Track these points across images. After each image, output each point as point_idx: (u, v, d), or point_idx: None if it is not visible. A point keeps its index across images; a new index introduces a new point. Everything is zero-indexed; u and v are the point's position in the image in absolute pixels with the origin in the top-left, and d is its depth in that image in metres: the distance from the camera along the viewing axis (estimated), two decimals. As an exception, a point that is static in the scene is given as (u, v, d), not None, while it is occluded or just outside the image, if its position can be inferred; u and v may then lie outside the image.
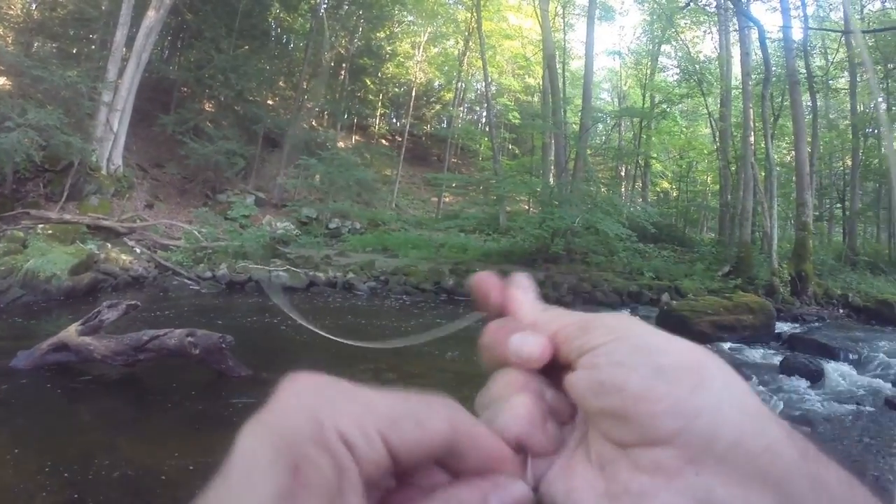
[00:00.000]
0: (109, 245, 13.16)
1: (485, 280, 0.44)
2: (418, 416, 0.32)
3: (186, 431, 4.81)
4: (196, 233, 15.55)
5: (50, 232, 12.35)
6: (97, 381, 6.03)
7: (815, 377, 7.52)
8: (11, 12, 21.17)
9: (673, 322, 10.87)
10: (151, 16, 18.24)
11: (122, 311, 6.45)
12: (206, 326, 7.20)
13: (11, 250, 10.22)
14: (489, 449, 0.35)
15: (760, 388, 7.13)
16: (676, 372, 0.33)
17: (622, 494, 0.32)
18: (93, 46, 21.49)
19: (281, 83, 31.65)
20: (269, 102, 28.89)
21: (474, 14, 29.44)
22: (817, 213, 25.55)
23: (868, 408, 6.55)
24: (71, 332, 6.10)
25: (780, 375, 7.72)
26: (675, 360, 0.33)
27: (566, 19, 32.05)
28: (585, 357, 0.36)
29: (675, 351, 0.34)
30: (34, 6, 21.97)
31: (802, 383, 7.38)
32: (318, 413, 0.30)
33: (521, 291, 0.44)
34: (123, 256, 12.42)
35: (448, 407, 0.34)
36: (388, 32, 35.33)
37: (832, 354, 8.76)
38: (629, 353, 0.34)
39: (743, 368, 7.72)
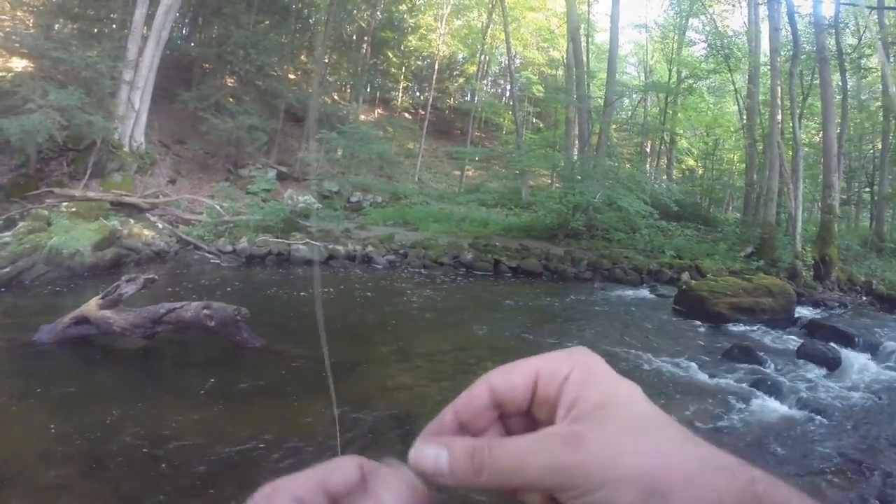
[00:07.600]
0: (132, 221, 13.36)
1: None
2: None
3: (202, 400, 4.91)
4: (217, 207, 15.71)
5: (73, 209, 12.55)
6: (117, 353, 6.18)
7: (832, 365, 7.35)
8: (31, -5, 21.36)
9: (691, 302, 10.75)
10: (170, -7, 18.26)
11: (141, 285, 6.58)
12: (224, 299, 7.32)
13: (36, 228, 10.41)
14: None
15: (776, 372, 7.04)
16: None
17: None
18: (113, 26, 21.51)
19: (302, 58, 31.53)
20: (291, 77, 28.83)
21: (497, -15, 29.01)
22: (844, 197, 24.80)
23: (885, 400, 6.38)
24: (91, 306, 6.22)
25: (797, 361, 7.56)
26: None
27: (591, -9, 31.33)
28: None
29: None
30: (53, -12, 22.04)
31: (818, 371, 7.23)
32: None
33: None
34: (146, 232, 12.58)
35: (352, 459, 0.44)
36: (410, 5, 34.97)
37: (851, 342, 8.52)
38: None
39: (758, 352, 7.60)
